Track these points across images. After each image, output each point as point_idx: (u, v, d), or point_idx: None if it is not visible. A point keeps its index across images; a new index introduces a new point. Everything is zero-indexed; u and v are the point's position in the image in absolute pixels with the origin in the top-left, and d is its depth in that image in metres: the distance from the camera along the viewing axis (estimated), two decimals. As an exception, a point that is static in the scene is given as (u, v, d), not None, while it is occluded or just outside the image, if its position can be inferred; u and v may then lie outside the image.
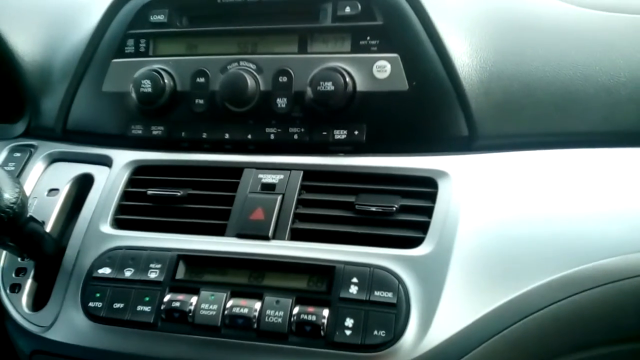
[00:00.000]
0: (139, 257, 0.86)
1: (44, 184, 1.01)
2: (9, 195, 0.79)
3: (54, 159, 1.04)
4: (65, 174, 1.01)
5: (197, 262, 0.85)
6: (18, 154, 1.06)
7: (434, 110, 0.89)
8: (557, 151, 0.85)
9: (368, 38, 0.91)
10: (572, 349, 0.80)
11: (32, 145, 1.07)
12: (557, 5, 0.94)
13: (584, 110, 0.86)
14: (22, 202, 0.81)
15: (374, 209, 0.84)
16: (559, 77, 0.87)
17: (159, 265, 0.85)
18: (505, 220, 0.80)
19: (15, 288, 0.92)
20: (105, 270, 0.87)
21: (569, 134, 0.86)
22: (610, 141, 0.84)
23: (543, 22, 0.92)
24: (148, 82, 0.97)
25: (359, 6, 0.92)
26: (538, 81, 0.88)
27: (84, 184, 0.99)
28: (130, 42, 1.02)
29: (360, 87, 0.90)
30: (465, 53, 0.89)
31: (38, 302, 0.91)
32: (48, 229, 0.95)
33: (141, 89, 0.97)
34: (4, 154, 1.07)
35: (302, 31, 0.94)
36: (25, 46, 1.09)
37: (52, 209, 0.97)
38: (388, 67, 0.90)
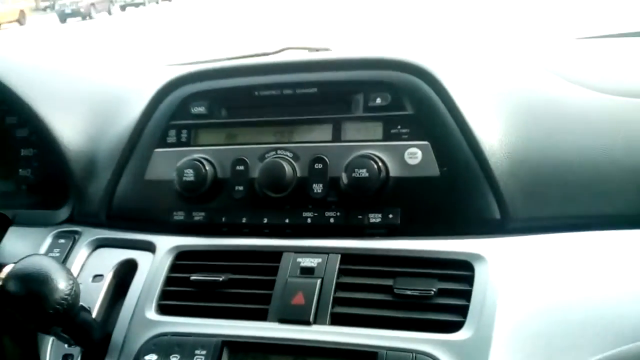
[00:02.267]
0: (185, 344, 0.89)
1: (88, 270, 1.05)
2: (63, 287, 0.83)
3: (98, 245, 1.08)
4: (109, 260, 1.05)
5: (241, 347, 0.87)
6: (62, 240, 1.10)
7: (466, 194, 0.92)
8: (588, 233, 0.87)
9: (399, 127, 0.95)
10: None
11: (76, 232, 1.11)
12: (580, 91, 0.98)
13: (611, 193, 0.88)
14: (75, 293, 0.84)
15: (412, 292, 0.86)
16: (586, 161, 0.90)
17: (204, 352, 0.87)
18: (542, 303, 0.81)
19: None
20: (152, 357, 0.89)
21: (598, 216, 0.88)
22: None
23: (567, 108, 0.96)
24: (191, 171, 1.01)
25: (389, 97, 0.96)
26: (565, 165, 0.91)
27: (127, 270, 1.03)
28: (172, 132, 1.07)
29: (393, 172, 0.94)
30: (493, 139, 0.92)
31: (85, 389, 0.93)
32: (94, 314, 0.97)
33: (184, 178, 1.01)
34: (49, 240, 1.11)
35: (335, 120, 0.99)
36: (71, 135, 1.14)
37: (97, 295, 1.00)
38: (419, 154, 0.93)
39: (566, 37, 1.40)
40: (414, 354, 0.80)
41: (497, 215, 0.91)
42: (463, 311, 0.83)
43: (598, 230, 0.87)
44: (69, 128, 1.15)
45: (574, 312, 0.80)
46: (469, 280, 0.86)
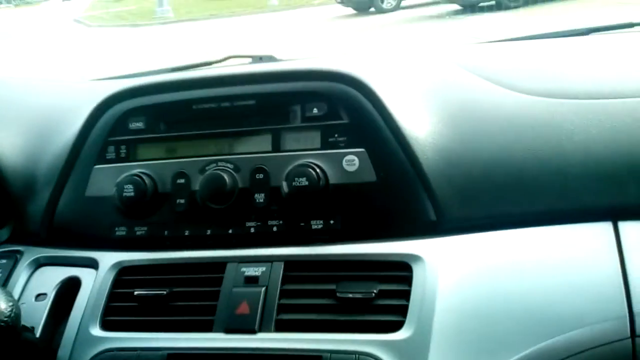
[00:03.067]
0: (131, 359, 0.89)
1: (31, 289, 1.03)
2: (2, 309, 0.82)
3: (40, 263, 1.07)
4: (52, 278, 1.04)
5: (187, 359, 0.88)
6: (4, 261, 1.08)
7: (402, 198, 0.95)
8: (519, 230, 0.90)
9: (336, 135, 0.97)
10: None
11: (17, 251, 1.09)
12: (507, 94, 1.02)
13: (539, 190, 0.92)
14: (15, 315, 0.83)
15: (354, 295, 0.88)
16: (514, 161, 0.94)
17: None
18: (477, 300, 0.85)
19: None
20: None
21: (527, 214, 0.92)
22: (567, 217, 0.90)
23: (497, 110, 1.00)
24: (130, 186, 1.01)
25: (326, 107, 0.98)
26: (494, 166, 0.94)
27: (71, 287, 1.02)
28: (111, 148, 1.07)
29: (332, 180, 0.96)
30: (426, 144, 0.95)
31: (31, 409, 0.92)
32: (37, 333, 0.96)
33: (124, 193, 1.01)
34: None
35: (274, 131, 1.00)
36: (8, 154, 1.12)
37: (40, 314, 0.99)
38: (356, 160, 0.96)
39: (477, 40, 1.44)
40: (357, 355, 0.82)
41: (433, 217, 0.94)
42: (403, 311, 0.86)
43: (529, 227, 0.90)
44: (7, 148, 1.13)
45: (508, 307, 0.83)
46: (408, 280, 0.88)
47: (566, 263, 0.86)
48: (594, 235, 0.87)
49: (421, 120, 0.98)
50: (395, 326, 0.85)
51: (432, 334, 0.82)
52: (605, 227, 0.88)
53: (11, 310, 0.83)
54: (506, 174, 0.93)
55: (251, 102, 1.02)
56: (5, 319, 0.82)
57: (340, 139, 0.97)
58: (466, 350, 0.81)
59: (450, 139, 0.96)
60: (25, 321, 0.93)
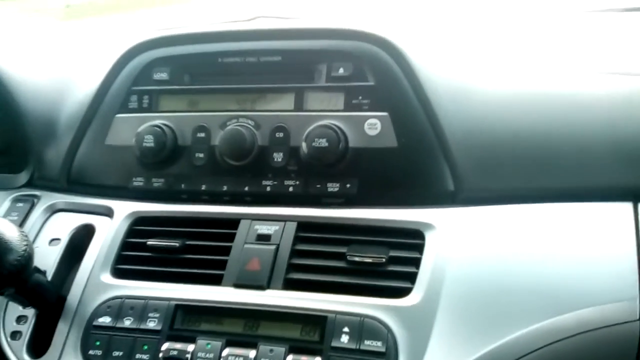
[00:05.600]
0: (138, 307, 0.89)
1: (45, 233, 1.04)
2: (17, 249, 0.82)
3: (57, 209, 1.08)
4: (67, 224, 1.04)
5: (195, 311, 0.88)
6: (21, 204, 1.09)
7: (422, 165, 0.93)
8: (537, 205, 0.88)
9: (360, 97, 0.96)
10: None
11: (35, 196, 1.10)
12: (535, 67, 0.99)
13: (559, 166, 0.89)
14: (28, 255, 0.84)
15: (364, 259, 0.87)
16: (536, 134, 0.91)
17: (157, 315, 0.88)
18: (488, 272, 0.83)
19: (16, 335, 0.94)
20: (105, 319, 0.90)
21: (547, 189, 0.90)
22: (587, 195, 0.88)
23: (522, 82, 0.97)
24: (150, 137, 1.01)
25: (352, 67, 0.97)
26: (516, 138, 0.92)
27: (85, 234, 1.02)
28: (134, 98, 1.06)
29: (352, 143, 0.94)
30: (451, 112, 0.93)
31: (38, 349, 0.92)
32: (49, 277, 0.97)
33: (144, 144, 1.01)
34: (7, 204, 1.10)
35: (298, 90, 0.99)
36: (31, 98, 1.13)
37: (53, 258, 1.00)
38: (378, 124, 0.94)
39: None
40: (362, 318, 0.81)
41: (451, 187, 0.92)
42: (412, 278, 0.85)
43: (547, 203, 0.88)
44: (29, 91, 1.13)
45: (518, 281, 0.81)
46: (420, 248, 0.87)
47: (581, 241, 0.83)
48: (612, 215, 0.85)
49: (448, 87, 0.96)
50: (403, 292, 0.84)
51: (440, 303, 0.81)
52: (625, 207, 0.85)
53: (25, 250, 0.83)
54: (528, 147, 0.91)
55: (277, 58, 1.00)
56: (19, 257, 0.82)
57: (364, 101, 0.95)
58: (473, 320, 0.80)
59: (475, 109, 0.94)
60: (38, 264, 0.93)
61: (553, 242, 0.84)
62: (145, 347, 0.86)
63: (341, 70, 0.97)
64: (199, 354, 0.83)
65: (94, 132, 1.09)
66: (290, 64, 1.00)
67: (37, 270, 0.90)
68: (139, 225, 1.00)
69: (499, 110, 0.94)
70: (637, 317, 0.76)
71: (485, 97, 0.96)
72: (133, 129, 1.04)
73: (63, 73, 1.18)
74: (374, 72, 0.96)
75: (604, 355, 0.78)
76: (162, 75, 1.06)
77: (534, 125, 0.92)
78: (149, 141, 1.01)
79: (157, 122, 1.03)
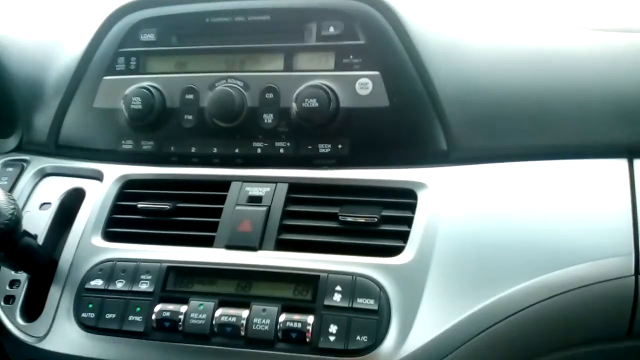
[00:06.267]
0: (130, 269, 0.89)
1: (36, 198, 1.04)
2: (4, 212, 0.82)
3: (46, 173, 1.07)
4: (57, 188, 1.04)
5: (187, 272, 0.88)
6: (10, 169, 1.08)
7: (414, 125, 0.93)
8: (531, 163, 0.88)
9: (351, 56, 0.94)
10: (548, 351, 0.84)
11: (24, 160, 1.09)
12: (529, 23, 0.98)
13: (556, 123, 0.89)
14: (16, 218, 0.83)
15: (357, 219, 0.87)
16: (532, 92, 0.91)
17: (149, 277, 0.88)
18: (481, 229, 0.83)
19: (9, 300, 0.94)
20: (97, 282, 0.89)
21: (543, 147, 0.89)
22: (582, 152, 0.87)
23: (518, 40, 0.96)
24: (138, 99, 0.99)
25: (342, 26, 0.95)
26: (511, 95, 0.91)
27: (75, 198, 1.02)
28: (121, 60, 1.05)
29: (343, 103, 0.93)
30: (443, 70, 0.92)
31: (32, 313, 0.92)
32: (40, 241, 0.96)
33: (132, 106, 0.99)
34: None
35: (287, 50, 0.97)
36: (17, 62, 1.11)
37: (44, 222, 0.99)
38: (370, 84, 0.93)
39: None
40: (355, 277, 0.81)
41: (444, 146, 0.92)
42: (404, 237, 0.85)
43: (541, 160, 0.88)
44: (16, 55, 1.12)
45: (512, 238, 0.82)
46: (412, 207, 0.87)
47: (576, 197, 0.83)
48: (607, 171, 0.85)
49: (440, 45, 0.95)
50: (396, 251, 0.84)
51: (432, 261, 0.81)
52: (620, 163, 0.85)
53: (12, 214, 0.83)
54: (522, 104, 0.90)
55: (266, 17, 0.99)
56: (6, 221, 0.81)
57: (355, 60, 0.94)
58: (466, 277, 0.80)
59: (468, 66, 0.93)
60: (29, 228, 0.93)
61: (547, 199, 0.84)
62: (138, 309, 0.86)
63: (331, 29, 0.96)
64: (192, 315, 0.83)
65: (82, 95, 1.07)
66: (280, 23, 0.99)
67: (27, 234, 0.89)
68: (129, 188, 0.99)
69: (492, 68, 0.93)
70: (633, 272, 0.77)
71: (478, 54, 0.95)
72: (121, 91, 1.02)
73: (49, 36, 1.16)
74: (364, 30, 0.95)
75: (600, 310, 0.79)
76: (149, 37, 1.04)
77: (528, 82, 0.91)
78: (137, 103, 0.99)
79: (144, 84, 1.01)
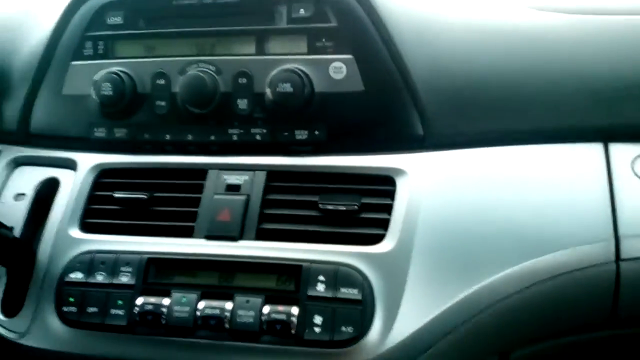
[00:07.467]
0: (110, 261, 0.89)
1: (10, 188, 1.02)
2: None
3: (19, 163, 1.05)
4: (31, 179, 1.02)
5: (167, 264, 0.88)
6: None
7: (389, 109, 0.92)
8: (508, 148, 0.89)
9: (323, 40, 0.93)
10: (531, 340, 0.86)
11: None
12: (502, 5, 0.97)
13: (530, 107, 0.89)
14: None
15: (336, 207, 0.87)
16: (505, 74, 0.90)
17: (129, 269, 0.87)
18: (461, 216, 0.84)
19: None
20: (77, 275, 0.89)
21: (518, 131, 0.90)
22: (558, 137, 0.88)
23: (492, 23, 0.95)
24: (108, 84, 0.97)
25: (313, 8, 0.93)
26: (485, 79, 0.91)
27: (50, 188, 1.00)
28: (89, 44, 1.02)
29: (318, 88, 0.92)
30: (416, 53, 0.91)
31: (12, 308, 0.92)
32: (17, 233, 0.96)
33: (102, 92, 0.97)
34: None
35: (259, 33, 0.95)
36: None
37: (19, 214, 0.98)
38: (344, 68, 0.92)
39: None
40: (337, 266, 0.82)
41: (420, 131, 0.91)
42: (385, 225, 0.85)
43: (517, 145, 0.89)
44: None
45: (492, 224, 0.83)
46: (391, 194, 0.87)
47: (554, 183, 0.85)
48: (583, 156, 0.86)
49: (413, 26, 0.93)
50: (377, 239, 0.84)
51: (414, 248, 0.82)
52: (596, 148, 0.86)
53: None
54: (498, 88, 0.90)
55: None
56: None
57: (328, 44, 0.93)
58: (447, 265, 0.81)
59: (442, 50, 0.92)
60: (4, 220, 0.92)
61: (525, 185, 0.85)
62: (120, 302, 0.86)
63: (302, 11, 0.94)
64: (175, 308, 0.83)
65: (50, 82, 1.04)
66: (249, 4, 0.96)
67: (2, 225, 0.88)
68: (105, 178, 0.98)
69: (467, 50, 0.93)
70: (613, 258, 0.78)
71: (453, 37, 0.93)
72: (90, 76, 0.99)
73: (14, 20, 1.12)
74: (335, 12, 0.93)
75: (582, 296, 0.80)
76: (116, 20, 1.00)
77: (503, 65, 0.91)
78: (107, 89, 0.97)
79: (114, 68, 0.98)
